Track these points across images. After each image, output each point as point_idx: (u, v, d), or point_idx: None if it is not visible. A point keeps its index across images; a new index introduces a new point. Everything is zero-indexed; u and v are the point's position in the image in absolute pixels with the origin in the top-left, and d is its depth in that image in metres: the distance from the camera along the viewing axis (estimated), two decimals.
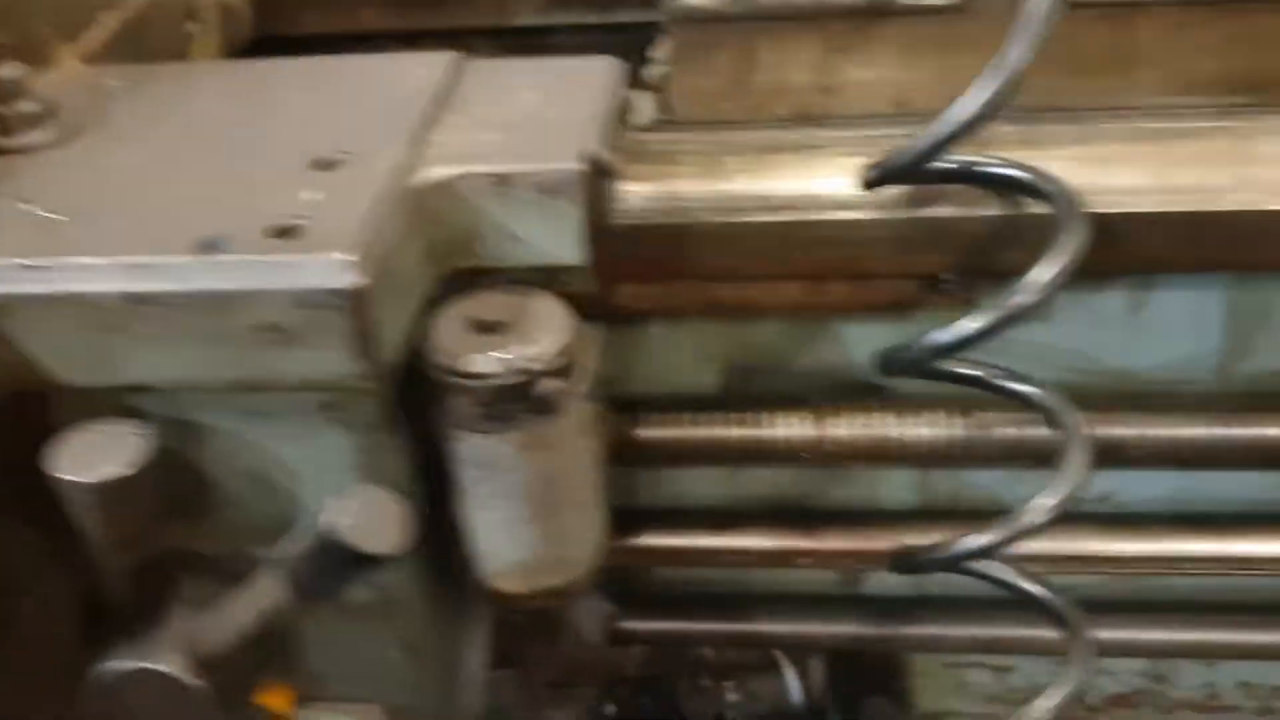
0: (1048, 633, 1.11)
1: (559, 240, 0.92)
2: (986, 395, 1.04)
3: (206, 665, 0.89)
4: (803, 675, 2.46)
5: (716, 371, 1.20)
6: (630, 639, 1.34)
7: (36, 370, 0.84)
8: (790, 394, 1.17)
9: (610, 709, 2.32)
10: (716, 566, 1.29)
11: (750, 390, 1.19)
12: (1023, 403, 1.02)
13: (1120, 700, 1.46)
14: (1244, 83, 1.06)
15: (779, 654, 2.53)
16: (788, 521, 1.26)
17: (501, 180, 0.89)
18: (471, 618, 1.13)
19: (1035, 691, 1.27)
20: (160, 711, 0.91)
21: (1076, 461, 0.98)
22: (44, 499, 0.89)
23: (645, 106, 1.12)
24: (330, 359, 0.82)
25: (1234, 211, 0.96)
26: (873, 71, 1.07)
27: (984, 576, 1.07)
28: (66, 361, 0.84)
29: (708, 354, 1.19)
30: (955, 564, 1.01)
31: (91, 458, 0.81)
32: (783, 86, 1.09)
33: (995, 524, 0.99)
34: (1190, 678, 1.44)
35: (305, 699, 1.05)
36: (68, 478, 0.81)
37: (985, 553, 1.00)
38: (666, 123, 1.11)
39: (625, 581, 1.33)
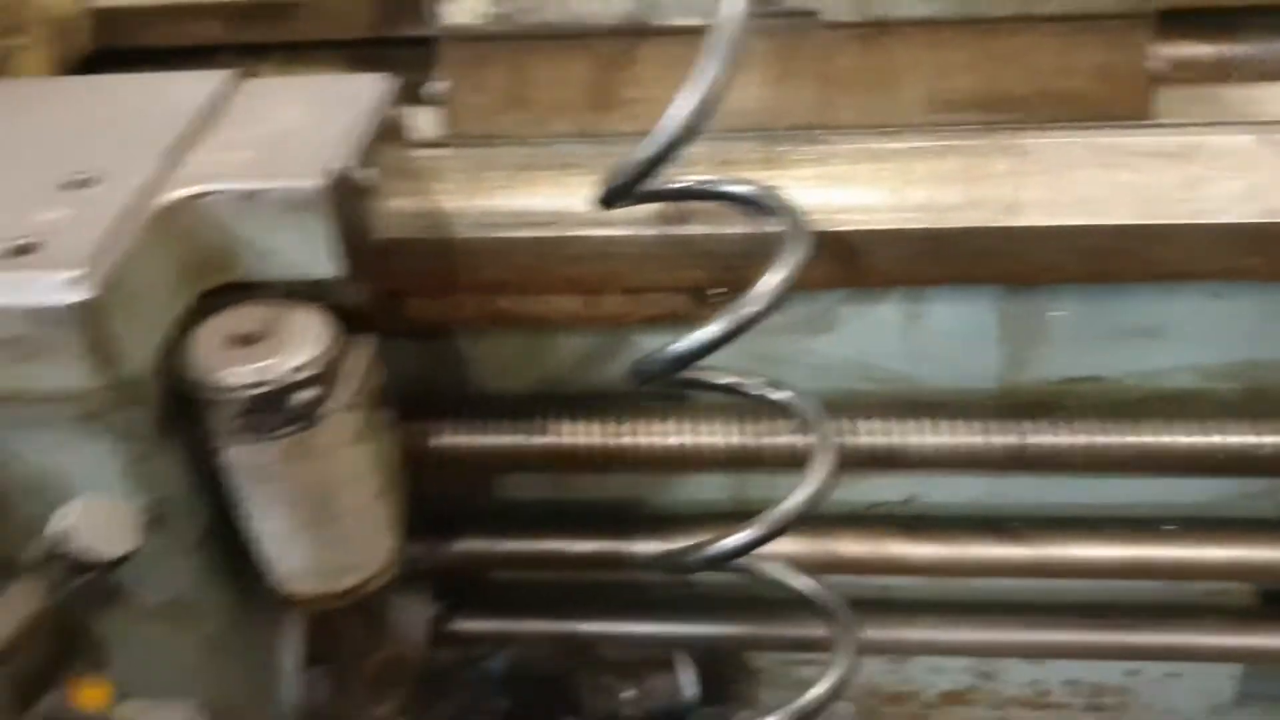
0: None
1: (312, 254, 0.97)
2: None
3: None
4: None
5: (519, 381, 1.25)
6: (460, 639, 1.39)
7: None
8: (590, 402, 1.22)
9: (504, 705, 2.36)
10: (537, 569, 1.34)
11: (552, 399, 1.24)
12: (778, 409, 1.07)
13: (952, 697, 1.51)
14: (999, 100, 1.11)
15: (676, 653, 2.58)
16: (606, 526, 1.31)
17: (248, 197, 0.94)
18: (280, 616, 1.18)
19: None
20: None
21: (824, 463, 1.03)
22: None
23: (430, 122, 1.17)
24: (70, 372, 0.87)
25: (962, 229, 1.01)
26: (641, 90, 1.12)
27: (753, 574, 1.12)
28: None
29: (506, 366, 1.24)
30: (716, 563, 1.06)
31: None
32: (558, 103, 1.14)
33: (749, 524, 1.04)
34: (1019, 675, 1.48)
35: (122, 695, 1.10)
36: None
37: (741, 552, 1.04)
38: (452, 137, 1.16)
39: (457, 583, 1.38)
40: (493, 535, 1.33)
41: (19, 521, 0.98)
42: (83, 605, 0.92)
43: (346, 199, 0.97)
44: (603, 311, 1.12)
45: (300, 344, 0.96)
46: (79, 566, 0.81)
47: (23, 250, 0.87)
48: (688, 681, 2.64)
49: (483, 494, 1.35)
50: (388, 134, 1.05)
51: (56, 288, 0.84)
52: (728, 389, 1.06)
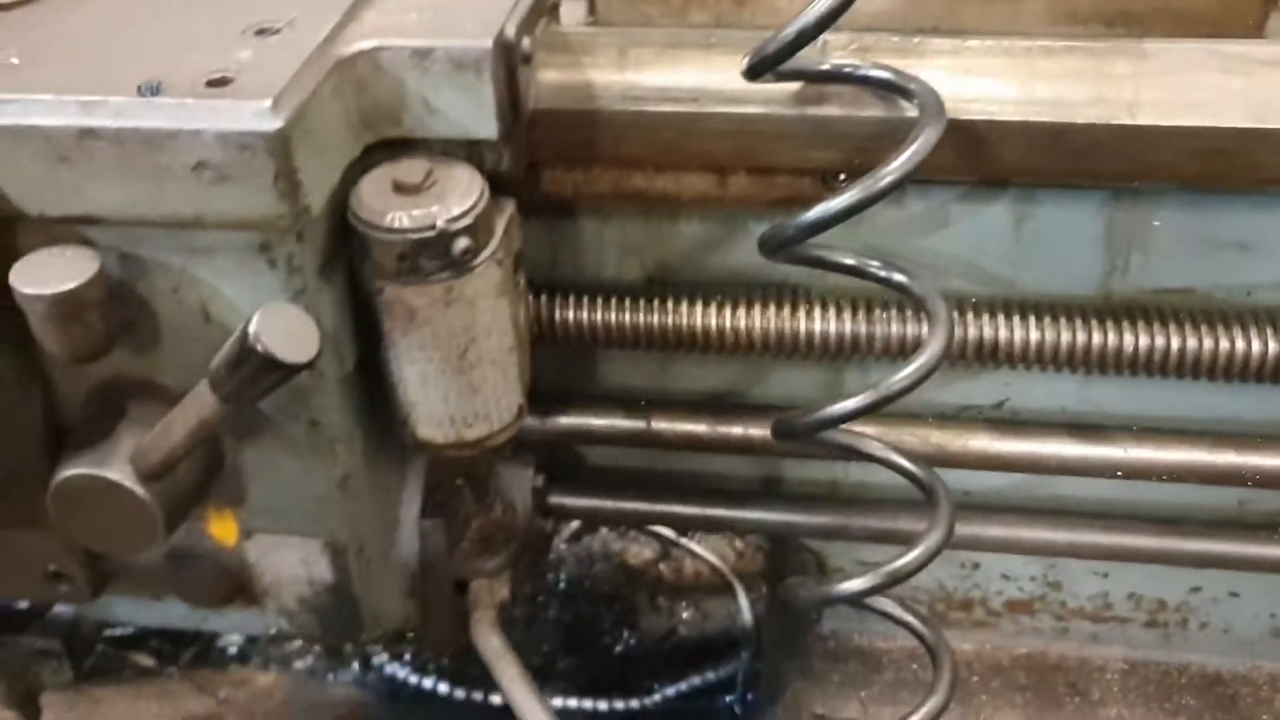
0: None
1: (472, 114, 1.03)
2: (872, 286, 1.16)
3: (150, 476, 1.01)
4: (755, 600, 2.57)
5: (638, 265, 1.32)
6: (559, 513, 1.46)
7: (1, 199, 0.97)
8: (703, 287, 1.28)
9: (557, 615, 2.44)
10: (636, 447, 1.40)
11: (667, 283, 1.30)
12: (896, 289, 1.13)
13: (1019, 606, 1.57)
14: (1118, 14, 1.16)
15: (733, 577, 2.65)
16: (709, 409, 1.38)
17: (420, 54, 1.00)
18: (404, 466, 1.25)
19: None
20: (111, 518, 1.03)
21: (938, 341, 1.08)
22: (15, 321, 1.02)
23: (576, 9, 1.23)
24: (255, 198, 0.93)
25: (1084, 124, 1.06)
26: None
27: (856, 449, 1.18)
28: (24, 191, 0.96)
29: (630, 247, 1.31)
30: (826, 426, 1.12)
31: (47, 275, 0.94)
32: None
33: (862, 394, 1.10)
34: (1084, 587, 1.54)
35: (250, 531, 1.18)
36: (26, 291, 0.93)
37: (851, 416, 1.10)
38: (594, 24, 1.22)
39: (556, 458, 1.45)
40: (596, 413, 1.39)
41: (184, 347, 1.05)
42: (248, 415, 0.98)
43: (508, 64, 1.04)
44: (731, 192, 1.17)
45: (460, 196, 1.02)
46: (266, 367, 0.87)
47: (217, 83, 0.94)
48: (746, 607, 2.72)
49: (591, 374, 1.41)
50: (542, 7, 1.11)
51: (250, 116, 0.91)
52: (849, 268, 1.12)
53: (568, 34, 1.14)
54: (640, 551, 2.80)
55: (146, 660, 2.43)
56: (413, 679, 2.36)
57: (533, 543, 1.47)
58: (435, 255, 1.01)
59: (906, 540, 1.37)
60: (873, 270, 1.12)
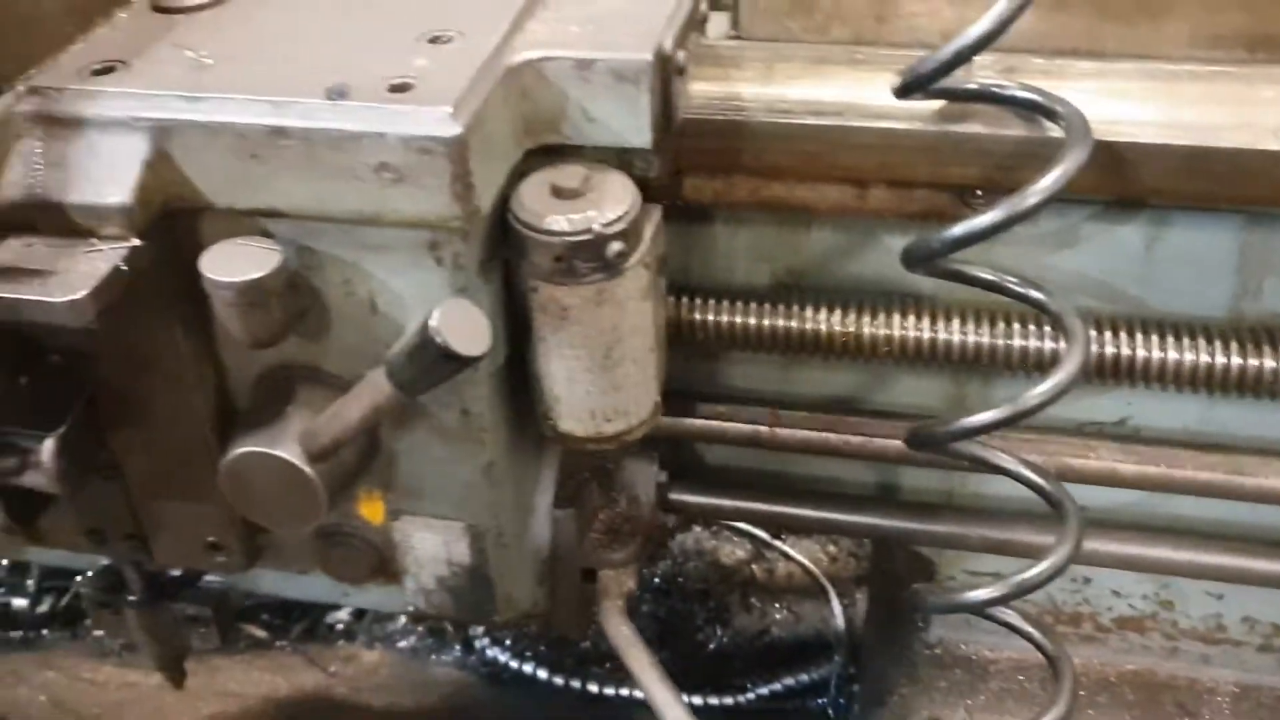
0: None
1: (629, 124, 1.08)
2: (1006, 301, 1.18)
3: (318, 457, 1.08)
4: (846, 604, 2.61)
5: (768, 270, 1.36)
6: (679, 509, 1.50)
7: (190, 190, 1.03)
8: (831, 294, 1.32)
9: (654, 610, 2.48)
10: (761, 448, 1.44)
11: (795, 288, 1.34)
12: (1033, 305, 1.16)
13: (1129, 623, 1.58)
14: (1263, 40, 1.17)
15: (826, 581, 2.68)
16: (829, 414, 1.41)
17: (582, 65, 1.05)
18: (542, 459, 1.30)
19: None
20: (277, 495, 1.10)
21: (1075, 358, 1.11)
22: (193, 307, 1.09)
23: (719, 23, 1.27)
24: (431, 199, 0.99)
25: (1229, 149, 1.08)
26: (925, 5, 1.20)
27: (985, 460, 1.20)
28: (215, 184, 1.03)
29: (761, 253, 1.35)
30: (962, 437, 1.15)
31: (235, 264, 1.00)
32: (842, 11, 1.23)
33: (999, 407, 1.13)
34: (1198, 608, 1.54)
35: (397, 512, 1.24)
36: (217, 278, 1.00)
37: (987, 429, 1.13)
38: (735, 38, 1.26)
39: (678, 456, 1.49)
40: (718, 413, 1.44)
41: (350, 337, 1.11)
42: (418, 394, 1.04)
43: (664, 75, 1.08)
44: (869, 204, 1.21)
45: (615, 202, 1.07)
46: (444, 359, 0.93)
47: (399, 88, 1.00)
48: (839, 611, 2.74)
49: (714, 375, 1.46)
50: (694, 21, 1.16)
51: (432, 121, 0.97)
52: (988, 283, 1.15)
53: (716, 47, 1.19)
54: (733, 551, 2.85)
55: (259, 632, 2.53)
56: (513, 663, 2.44)
57: (653, 537, 1.52)
58: (590, 258, 1.06)
59: (1023, 552, 1.41)
60: (1010, 286, 1.15)
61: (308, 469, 1.08)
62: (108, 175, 1.01)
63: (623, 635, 1.26)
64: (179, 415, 1.15)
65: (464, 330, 0.94)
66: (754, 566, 2.77)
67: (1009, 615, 1.24)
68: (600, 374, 1.14)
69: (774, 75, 1.16)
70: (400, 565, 1.28)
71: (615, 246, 1.07)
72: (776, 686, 2.36)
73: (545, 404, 1.17)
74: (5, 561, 2.53)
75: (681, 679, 2.55)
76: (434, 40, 1.07)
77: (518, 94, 1.07)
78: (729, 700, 2.37)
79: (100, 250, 0.99)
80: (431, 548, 1.26)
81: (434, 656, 2.50)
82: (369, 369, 1.10)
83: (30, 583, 2.55)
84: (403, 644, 2.50)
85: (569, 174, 1.08)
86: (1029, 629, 1.23)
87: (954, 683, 1.61)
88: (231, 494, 1.12)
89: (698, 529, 2.66)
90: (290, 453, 1.07)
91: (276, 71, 1.04)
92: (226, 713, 2.21)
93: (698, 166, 1.22)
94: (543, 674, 2.40)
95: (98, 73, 1.06)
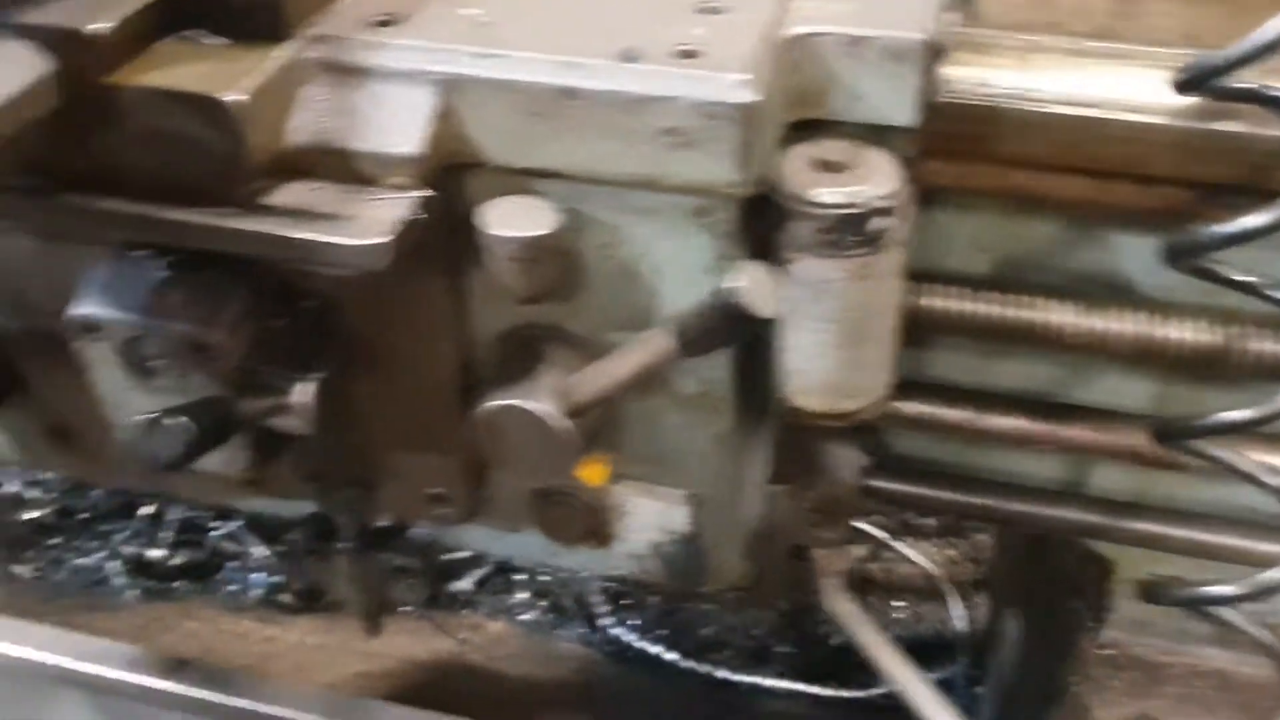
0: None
1: (894, 102, 1.08)
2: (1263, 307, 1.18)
3: (575, 411, 1.09)
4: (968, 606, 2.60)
5: (986, 259, 1.36)
6: (875, 494, 1.51)
7: (468, 146, 1.05)
8: (1051, 287, 1.32)
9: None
10: (961, 440, 1.44)
11: (1012, 279, 1.34)
12: None
13: None
14: None
15: (946, 583, 2.68)
16: (1033, 409, 1.41)
17: (854, 42, 1.06)
18: (759, 434, 1.32)
19: None
20: (530, 448, 1.12)
21: None
22: (453, 261, 1.11)
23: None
24: (713, 165, 1.00)
25: None
26: (1165, 4, 1.20)
27: (1224, 463, 1.20)
28: (494, 141, 1.04)
29: (981, 241, 1.35)
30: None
31: (515, 220, 1.03)
32: (1085, 7, 1.23)
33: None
34: None
35: (620, 476, 1.26)
36: (499, 233, 1.02)
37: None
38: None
39: (879, 440, 1.50)
40: (919, 400, 1.44)
41: (602, 300, 1.13)
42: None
43: (932, 56, 1.09)
44: (1108, 197, 1.21)
45: (883, 178, 1.08)
46: (739, 320, 0.95)
47: (687, 55, 1.01)
48: (958, 614, 2.73)
49: (918, 361, 1.46)
50: (956, 4, 1.17)
51: (726, 87, 0.98)
52: (1245, 285, 1.14)
53: (972, 32, 1.19)
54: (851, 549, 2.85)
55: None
56: (639, 643, 2.46)
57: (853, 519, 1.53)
58: (856, 232, 1.07)
59: (1230, 556, 1.40)
60: (1269, 292, 1.14)
61: (565, 424, 1.09)
62: (394, 125, 1.03)
63: (847, 611, 1.28)
64: (426, 366, 1.18)
65: (760, 292, 0.95)
66: (872, 566, 2.77)
67: (1237, 618, 1.23)
68: (848, 349, 1.15)
69: (1029, 63, 1.16)
70: (615, 530, 1.30)
71: (881, 222, 1.07)
72: None
73: (783, 377, 1.18)
74: (147, 510, 2.60)
75: (805, 670, 2.56)
76: (706, 11, 1.09)
77: (789, 67, 1.08)
78: (859, 693, 2.38)
79: (385, 199, 1.02)
80: (649, 514, 1.28)
81: (556, 632, 2.53)
82: (614, 332, 1.12)
83: (168, 534, 2.62)
84: (524, 617, 2.53)
85: (835, 148, 1.09)
86: (1262, 632, 1.23)
87: (1128, 684, 1.60)
88: (482, 445, 1.14)
89: None
90: (549, 407, 1.09)
91: (559, 31, 1.06)
92: (370, 672, 2.25)
93: (940, 150, 1.22)
94: (670, 656, 2.42)
95: (378, 24, 1.09)
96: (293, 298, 1.15)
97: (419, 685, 2.31)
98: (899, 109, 1.09)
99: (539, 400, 1.10)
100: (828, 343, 1.14)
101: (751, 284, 0.94)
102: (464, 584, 2.52)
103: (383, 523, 1.38)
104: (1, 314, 1.27)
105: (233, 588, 2.56)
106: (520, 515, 1.31)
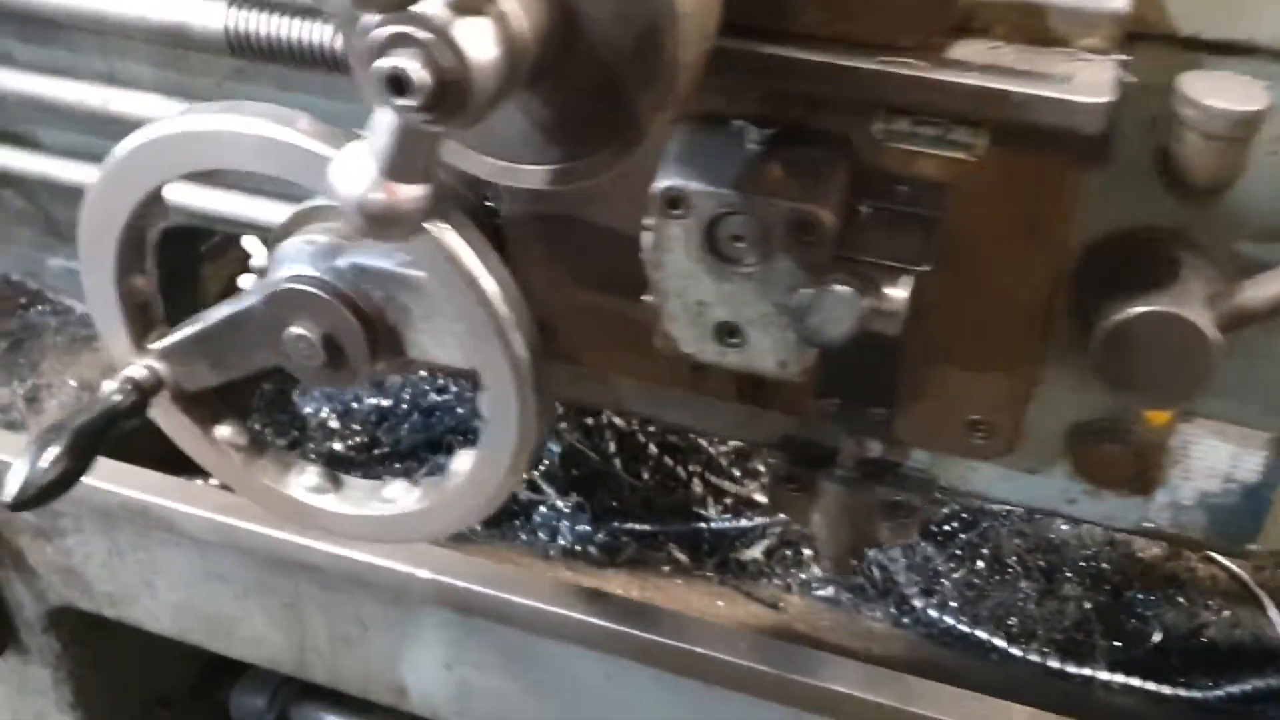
0: None
1: None
2: None
3: (1227, 325, 0.96)
4: None
5: None
6: None
7: (1161, 13, 0.94)
8: None
9: None
10: None
11: None
12: None
13: None
14: None
15: (1263, 592, 2.52)
16: None
17: None
18: None
19: None
20: (1162, 365, 0.99)
21: None
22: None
23: None
24: None
25: None
26: None
27: None
28: (1192, 6, 0.93)
29: None
30: None
31: (1227, 94, 0.90)
32: None
33: None
34: None
35: (1192, 414, 1.13)
36: (1211, 104, 0.89)
37: None
38: None
39: None
40: None
41: (1250, 203, 1.00)
42: None
43: None
44: None
45: None
46: None
47: None
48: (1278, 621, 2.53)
49: None
50: None
51: None
52: None
53: None
54: (1147, 546, 2.70)
55: (681, 556, 2.47)
56: (963, 627, 2.32)
57: None
58: None
59: None
60: None
61: (1219, 338, 0.96)
62: None
63: None
64: (1021, 271, 1.05)
65: None
66: (1171, 564, 2.63)
67: None
68: None
69: None
70: (1158, 475, 1.16)
71: None
72: (1247, 687, 2.24)
73: None
74: None
75: (1126, 666, 2.39)
76: None
77: None
78: (1196, 694, 2.25)
79: (1084, 60, 0.89)
80: (1214, 459, 1.14)
81: (860, 610, 2.41)
82: (1246, 242, 0.99)
83: None
84: (820, 592, 2.41)
85: None
86: None
87: None
88: (1104, 359, 1.01)
89: None
90: (1204, 317, 0.97)
91: None
92: None
93: None
94: (999, 642, 2.29)
95: None
96: (888, 181, 1.03)
97: None
98: None
99: (1192, 309, 0.97)
100: None
101: None
102: (753, 552, 2.41)
103: (873, 454, 1.25)
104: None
105: (540, 536, 2.45)
106: (1050, 454, 1.19)
